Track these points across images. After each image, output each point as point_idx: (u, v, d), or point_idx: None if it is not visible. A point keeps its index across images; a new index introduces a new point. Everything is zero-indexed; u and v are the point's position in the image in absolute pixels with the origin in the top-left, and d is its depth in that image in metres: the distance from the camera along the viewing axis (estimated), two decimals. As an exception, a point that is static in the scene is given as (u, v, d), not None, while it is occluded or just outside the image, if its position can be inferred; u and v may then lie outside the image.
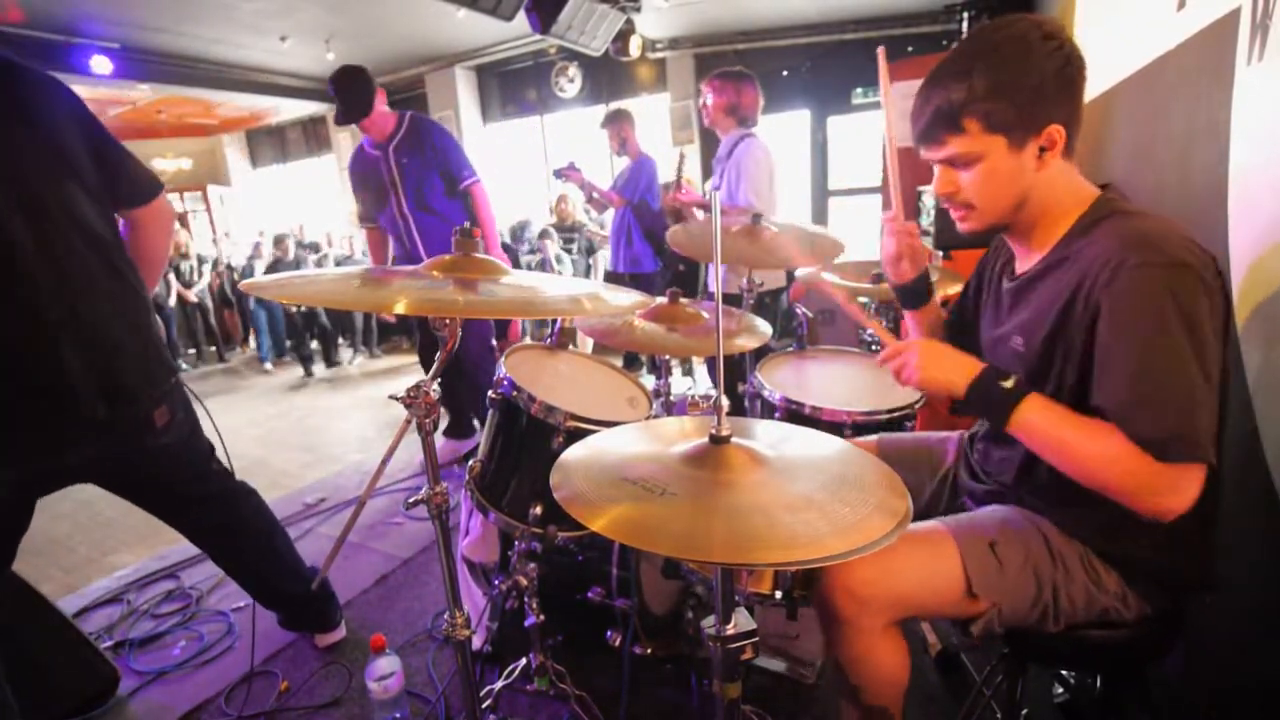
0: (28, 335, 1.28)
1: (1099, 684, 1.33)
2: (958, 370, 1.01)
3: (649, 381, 1.79)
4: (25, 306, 1.27)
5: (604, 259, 5.50)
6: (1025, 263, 1.11)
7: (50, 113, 1.32)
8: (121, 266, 1.42)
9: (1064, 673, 1.47)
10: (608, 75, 6.78)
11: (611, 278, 4.25)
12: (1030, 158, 0.96)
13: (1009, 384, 0.97)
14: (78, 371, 1.32)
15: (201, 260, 7.35)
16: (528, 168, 7.94)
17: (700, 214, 3.03)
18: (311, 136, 9.24)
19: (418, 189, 2.88)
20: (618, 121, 3.92)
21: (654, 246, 3.99)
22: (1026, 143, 0.95)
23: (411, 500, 1.19)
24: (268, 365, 6.81)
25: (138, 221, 1.51)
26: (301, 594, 1.85)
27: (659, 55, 6.42)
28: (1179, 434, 0.84)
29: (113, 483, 1.51)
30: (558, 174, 4.04)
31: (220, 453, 1.69)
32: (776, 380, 1.74)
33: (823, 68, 5.96)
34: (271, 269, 7.28)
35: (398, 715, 1.62)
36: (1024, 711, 1.20)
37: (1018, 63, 0.93)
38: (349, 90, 2.77)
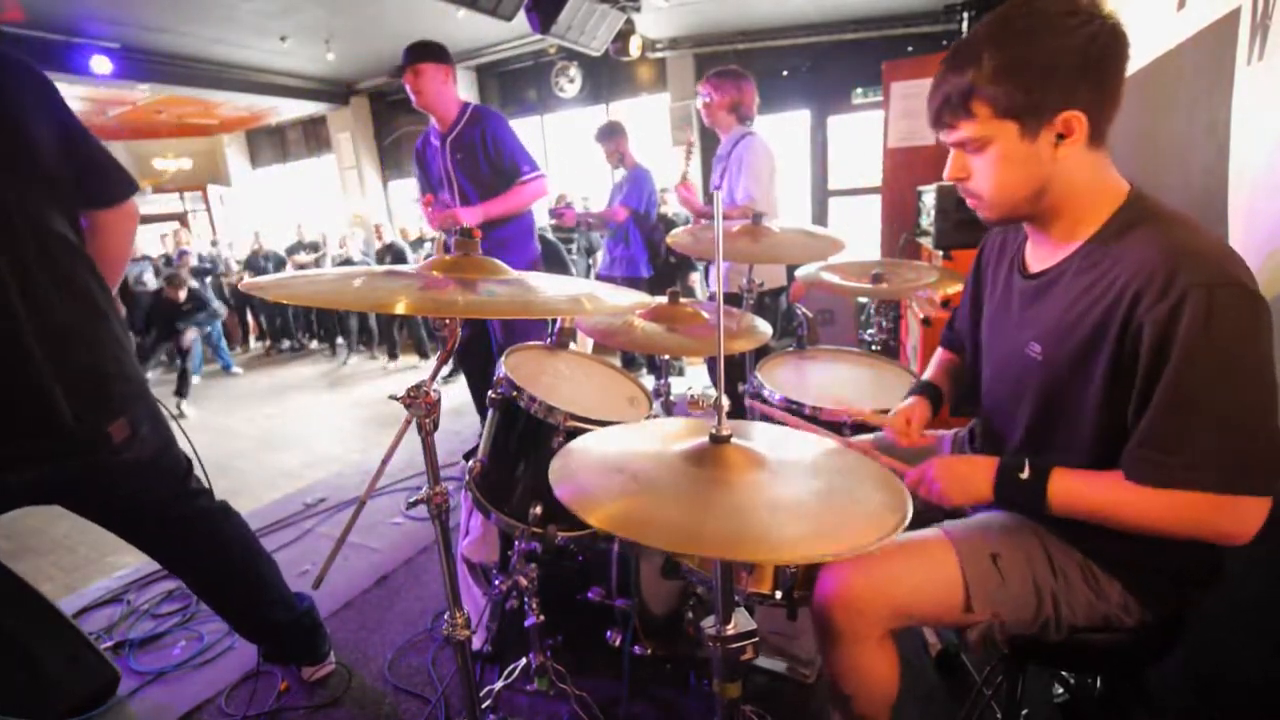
0: None
1: (1099, 684, 1.33)
2: (975, 481, 1.00)
3: (649, 382, 1.79)
4: None
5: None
6: (1044, 259, 1.03)
7: (15, 99, 1.18)
8: (80, 269, 1.30)
9: (1064, 673, 1.47)
10: (608, 75, 6.78)
11: (603, 280, 4.25)
12: (1046, 146, 0.90)
13: (1025, 474, 0.95)
14: (21, 385, 1.21)
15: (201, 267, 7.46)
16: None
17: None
18: (311, 137, 9.25)
19: (472, 186, 2.76)
20: (613, 137, 3.92)
21: (649, 254, 4.01)
22: (1040, 129, 0.89)
23: (412, 500, 1.19)
24: (236, 369, 6.96)
25: (100, 224, 1.36)
26: (289, 623, 1.74)
27: (659, 55, 6.42)
28: (1239, 472, 0.83)
29: (71, 503, 1.39)
30: (552, 214, 4.05)
31: (199, 470, 1.58)
32: (776, 380, 1.74)
33: (823, 68, 5.97)
34: (249, 265, 7.41)
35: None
36: (1024, 711, 1.20)
37: (1027, 42, 0.86)
38: (426, 47, 2.76)
